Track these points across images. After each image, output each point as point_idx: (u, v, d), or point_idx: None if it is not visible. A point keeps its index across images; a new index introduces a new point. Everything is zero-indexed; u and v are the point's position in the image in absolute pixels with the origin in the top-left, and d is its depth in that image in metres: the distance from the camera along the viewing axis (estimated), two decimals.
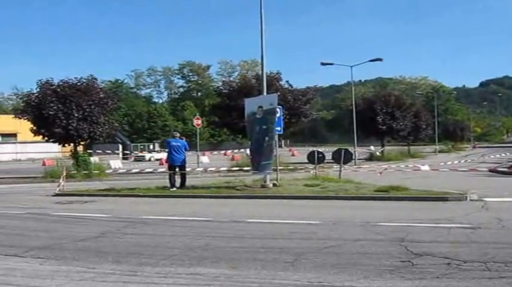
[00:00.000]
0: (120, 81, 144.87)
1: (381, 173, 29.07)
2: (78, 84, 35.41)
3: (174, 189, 21.28)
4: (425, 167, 33.08)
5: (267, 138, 20.62)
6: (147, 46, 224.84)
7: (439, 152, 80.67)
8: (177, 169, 22.10)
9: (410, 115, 61.90)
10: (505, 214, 13.20)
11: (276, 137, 21.73)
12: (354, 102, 52.10)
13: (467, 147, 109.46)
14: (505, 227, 11.15)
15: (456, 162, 44.55)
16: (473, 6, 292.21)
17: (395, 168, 35.65)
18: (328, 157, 27.64)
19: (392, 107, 58.28)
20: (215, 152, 68.74)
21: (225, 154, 64.26)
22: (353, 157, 34.49)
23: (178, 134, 24.21)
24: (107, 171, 35.45)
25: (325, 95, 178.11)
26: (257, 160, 21.51)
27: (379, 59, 49.60)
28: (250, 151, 23.30)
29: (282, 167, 27.61)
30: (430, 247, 9.13)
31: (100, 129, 35.28)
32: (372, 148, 65.79)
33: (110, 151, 57.21)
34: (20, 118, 36.29)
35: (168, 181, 21.93)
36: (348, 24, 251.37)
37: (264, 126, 20.67)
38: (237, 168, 32.10)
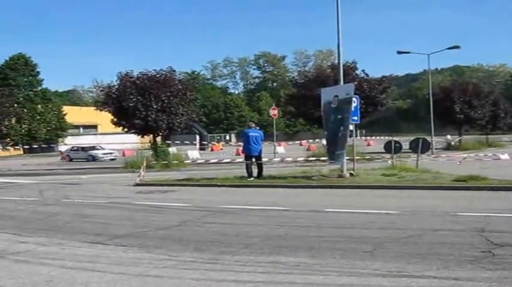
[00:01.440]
0: (196, 72, 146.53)
1: (460, 162, 28.57)
2: (157, 76, 36.11)
3: (252, 179, 21.47)
4: (505, 156, 32.28)
5: (342, 128, 20.54)
6: (223, 37, 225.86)
7: None
8: (253, 159, 22.28)
9: (488, 104, 60.49)
10: None
11: (353, 126, 21.64)
12: (430, 91, 51.27)
13: None
14: None
15: None
16: None
17: (473, 157, 34.94)
18: (405, 146, 27.36)
19: (470, 96, 57.06)
20: (291, 143, 68.82)
21: (300, 144, 64.21)
22: (430, 147, 34.01)
23: (254, 125, 24.40)
24: (185, 161, 35.97)
25: (400, 84, 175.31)
26: (332, 149, 21.49)
27: (457, 47, 48.70)
28: (326, 140, 23.24)
29: (358, 157, 27.47)
30: (511, 237, 8.98)
31: (178, 121, 35.89)
32: (449, 137, 64.45)
33: (187, 142, 58.04)
34: (101, 110, 37.28)
35: (245, 171, 22.16)
36: (424, 12, 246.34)
37: (339, 116, 20.60)
38: (313, 158, 32.05)
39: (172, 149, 41.13)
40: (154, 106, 34.48)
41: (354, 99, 20.84)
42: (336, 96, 20.84)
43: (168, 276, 7.28)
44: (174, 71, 37.74)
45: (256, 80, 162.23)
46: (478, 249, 8.15)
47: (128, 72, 36.20)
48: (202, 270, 7.53)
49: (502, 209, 12.29)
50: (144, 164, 24.41)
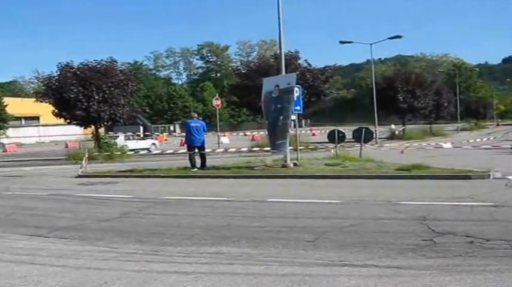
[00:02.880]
0: (139, 63, 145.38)
1: (402, 151, 28.97)
2: (98, 66, 35.69)
3: (195, 169, 21.37)
4: (448, 145, 32.87)
5: (281, 117, 20.56)
6: (165, 28, 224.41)
7: (461, 130, 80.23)
8: (196, 150, 22.18)
9: (431, 93, 61.55)
10: None
11: (296, 116, 21.68)
12: (373, 81, 51.83)
13: (490, 125, 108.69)
14: None
15: (478, 140, 44.20)
16: None
17: (416, 146, 35.46)
18: (349, 136, 27.58)
19: (413, 85, 57.96)
20: (235, 133, 68.88)
21: (245, 134, 64.34)
22: (374, 136, 34.39)
23: (196, 115, 24.32)
24: (129, 152, 35.63)
25: (345, 73, 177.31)
26: (273, 139, 21.52)
27: (399, 36, 49.31)
28: (267, 130, 23.27)
29: (302, 147, 27.55)
30: (453, 225, 9.07)
31: (120, 111, 35.55)
32: (393, 126, 65.39)
33: (131, 133, 57.53)
34: (41, 101, 36.57)
35: (188, 161, 22.03)
36: (367, 1, 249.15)
37: (279, 105, 20.61)
38: (257, 148, 32.06)
39: (116, 140, 40.65)
40: (96, 97, 34.04)
41: (296, 89, 20.84)
42: (277, 86, 20.82)
43: (109, 268, 7.17)
44: (115, 61, 37.39)
45: (200, 71, 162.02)
46: (420, 237, 8.20)
47: (68, 63, 35.64)
48: (143, 262, 7.42)
49: (444, 198, 12.43)
50: (86, 156, 24.09)
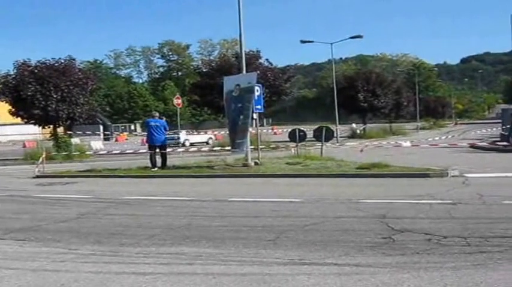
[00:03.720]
0: (99, 61, 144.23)
1: (362, 150, 29.15)
2: (56, 65, 35.17)
3: (155, 169, 21.25)
4: (407, 144, 33.26)
5: (241, 116, 20.58)
6: (126, 26, 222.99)
7: (421, 129, 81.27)
8: (157, 149, 22.06)
9: (391, 92, 62.26)
10: (485, 189, 13.24)
11: (257, 115, 21.69)
12: (334, 80, 52.21)
13: (449, 124, 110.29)
14: (485, 203, 11.18)
15: (437, 138, 44.77)
16: None
17: (377, 145, 35.78)
18: (310, 135, 27.67)
19: (374, 85, 58.56)
20: (197, 132, 68.64)
21: (206, 133, 64.16)
22: (334, 135, 34.57)
23: (157, 114, 24.21)
24: (88, 152, 35.28)
25: (306, 73, 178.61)
26: (233, 138, 21.51)
27: (359, 36, 49.80)
28: (228, 129, 23.25)
29: (263, 146, 27.59)
30: (411, 223, 9.15)
31: (79, 110, 35.10)
32: (354, 125, 65.96)
33: (90, 132, 57.00)
34: None
35: (149, 161, 21.88)
36: (328, 0, 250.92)
37: (240, 105, 20.62)
38: (218, 147, 32.03)
39: (75, 140, 40.19)
40: (54, 96, 33.54)
41: (256, 88, 20.85)
42: (238, 85, 20.81)
43: (66, 270, 7.03)
44: (74, 59, 36.85)
45: (161, 69, 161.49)
46: (379, 235, 8.25)
47: (25, 61, 35.06)
48: (101, 263, 7.32)
49: (403, 196, 12.55)
50: (44, 156, 23.74)
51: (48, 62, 35.29)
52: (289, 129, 29.03)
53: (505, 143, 32.05)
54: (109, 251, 7.96)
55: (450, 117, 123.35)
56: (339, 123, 51.45)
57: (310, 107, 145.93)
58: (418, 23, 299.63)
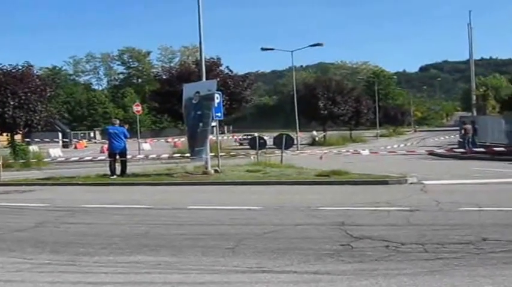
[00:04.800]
0: (58, 68, 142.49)
1: (321, 157, 29.33)
2: (13, 71, 34.69)
3: (115, 177, 21.07)
4: (366, 152, 33.52)
5: (201, 124, 20.55)
6: (85, 33, 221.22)
7: (380, 136, 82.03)
8: (117, 157, 21.89)
9: (351, 100, 62.78)
10: (443, 196, 13.42)
11: (217, 123, 21.68)
12: (295, 88, 52.40)
13: (408, 131, 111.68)
14: (442, 209, 11.32)
15: (395, 146, 45.28)
16: None
17: (336, 152, 36.00)
18: (270, 142, 27.76)
19: (334, 92, 59.00)
20: (155, 140, 68.30)
21: (166, 141, 63.84)
22: (294, 142, 34.71)
23: (118, 122, 24.01)
24: (46, 160, 34.84)
25: (267, 80, 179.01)
26: (193, 146, 21.46)
27: (320, 44, 50.08)
28: (187, 137, 23.19)
29: (223, 153, 27.56)
30: (370, 230, 9.20)
31: (37, 118, 34.67)
32: (314, 133, 66.31)
33: (49, 139, 56.33)
34: None
35: (108, 169, 21.70)
36: (288, 8, 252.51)
37: (199, 112, 20.59)
38: (178, 155, 31.92)
39: (33, 148, 39.72)
40: (11, 103, 33.07)
41: (217, 95, 20.85)
42: (198, 92, 20.79)
43: (21, 280, 6.88)
44: (32, 66, 36.41)
45: (121, 76, 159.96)
46: (338, 242, 8.26)
47: None
48: (58, 272, 7.19)
49: (361, 203, 12.62)
50: (0, 163, 23.34)
51: (5, 68, 34.82)
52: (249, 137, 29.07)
53: (462, 150, 32.57)
54: (66, 261, 7.82)
55: (409, 124, 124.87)
56: (300, 131, 51.67)
57: (270, 114, 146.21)
58: (378, 32, 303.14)
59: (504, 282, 6.05)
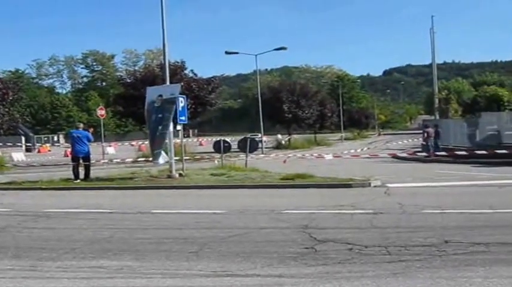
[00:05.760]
0: (20, 71, 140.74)
1: (285, 161, 29.42)
2: None
3: (78, 181, 20.88)
4: (329, 156, 33.69)
5: (160, 127, 20.57)
6: (49, 36, 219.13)
7: (345, 139, 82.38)
8: (80, 161, 21.71)
9: (315, 103, 62.93)
10: (406, 199, 13.56)
11: (181, 126, 21.62)
12: (259, 91, 52.39)
13: (372, 134, 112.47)
14: (405, 212, 11.44)
15: (359, 150, 45.55)
16: None
17: (301, 156, 36.12)
18: (235, 145, 27.76)
19: (298, 96, 59.12)
20: (120, 143, 67.92)
21: (131, 145, 63.47)
22: (259, 146, 34.77)
23: (82, 125, 23.77)
24: (9, 164, 34.42)
25: (232, 84, 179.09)
26: (152, 148, 21.41)
27: (284, 48, 50.18)
28: (149, 140, 23.13)
29: (188, 157, 27.48)
30: (333, 233, 9.27)
31: (0, 122, 34.21)
32: (279, 136, 66.50)
33: (11, 143, 55.63)
34: None
35: (72, 173, 21.51)
36: (253, 12, 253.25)
37: (160, 115, 20.61)
38: (143, 159, 31.77)
39: None
40: None
41: (181, 99, 20.79)
42: (160, 95, 20.75)
43: None
44: None
45: (85, 79, 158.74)
46: (302, 246, 8.30)
47: None
48: (19, 278, 7.09)
49: (326, 206, 12.70)
50: None
51: None
52: (215, 140, 29.07)
53: (425, 154, 32.91)
54: (28, 266, 7.73)
55: (373, 128, 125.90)
56: (265, 134, 51.76)
57: (235, 117, 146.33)
58: (342, 36, 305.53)
59: (465, 284, 6.15)
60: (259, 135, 61.50)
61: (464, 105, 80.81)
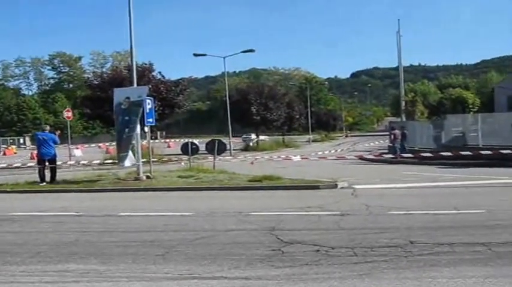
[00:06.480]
0: None
1: (252, 163, 29.46)
2: None
3: (44, 184, 20.66)
4: (297, 158, 33.83)
5: (127, 130, 20.44)
6: (16, 38, 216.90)
7: (313, 141, 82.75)
8: (47, 163, 21.49)
9: (283, 106, 63.13)
10: (372, 200, 13.66)
11: (148, 128, 21.53)
12: (227, 94, 52.46)
13: (340, 136, 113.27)
14: (372, 213, 11.51)
15: (327, 151, 45.82)
16: None
17: (269, 158, 36.18)
18: (203, 147, 27.71)
19: (266, 98, 59.29)
20: (87, 145, 67.41)
21: (99, 147, 63.05)
22: (227, 148, 34.77)
23: (48, 127, 23.55)
24: None
25: (200, 86, 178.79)
26: (119, 151, 21.30)
27: (252, 50, 50.34)
28: (116, 142, 22.99)
29: (155, 159, 27.37)
30: (301, 234, 9.29)
31: None
32: (249, 136, 66.65)
33: None
34: None
35: (37, 175, 21.28)
36: (221, 14, 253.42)
37: (127, 117, 20.49)
38: (110, 161, 31.55)
39: None
40: None
41: (148, 101, 20.70)
42: (128, 98, 20.63)
43: None
44: None
45: (52, 81, 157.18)
46: (269, 248, 8.32)
47: None
48: None
49: (293, 208, 12.72)
50: None
51: None
52: (183, 142, 28.99)
53: (391, 156, 33.21)
54: None
55: (341, 129, 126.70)
56: (233, 136, 51.79)
57: (204, 119, 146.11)
58: (311, 38, 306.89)
59: (431, 284, 6.23)
60: (252, 135, 61.52)
61: (430, 108, 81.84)
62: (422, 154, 30.20)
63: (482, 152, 26.71)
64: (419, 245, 8.16)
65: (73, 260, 8.06)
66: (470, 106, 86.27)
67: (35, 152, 32.13)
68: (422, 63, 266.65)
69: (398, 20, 55.31)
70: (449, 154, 27.56)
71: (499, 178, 19.36)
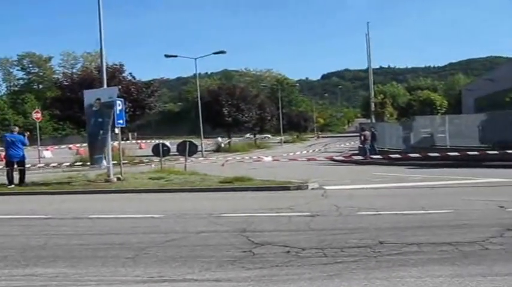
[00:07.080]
0: None
1: (223, 164, 29.43)
2: None
3: (12, 186, 20.46)
4: (268, 159, 33.89)
5: (101, 131, 20.34)
6: None
7: (285, 142, 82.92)
8: (15, 165, 21.27)
9: (255, 107, 63.25)
10: (342, 201, 13.71)
11: (119, 130, 21.41)
12: (199, 95, 52.39)
13: (311, 137, 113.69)
14: (341, 214, 11.56)
15: (298, 153, 45.95)
16: None
17: (241, 159, 36.18)
18: (174, 149, 27.66)
19: (238, 99, 59.36)
20: (57, 147, 66.83)
21: (69, 148, 62.51)
22: (198, 149, 34.71)
23: (17, 129, 23.28)
24: None
25: (172, 87, 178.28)
26: (92, 153, 21.16)
27: (223, 52, 50.30)
28: (88, 144, 22.80)
29: (126, 161, 27.22)
30: (271, 236, 9.29)
31: None
32: (219, 139, 66.57)
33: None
34: None
35: (5, 177, 21.05)
36: (193, 15, 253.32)
37: (100, 119, 20.38)
38: (80, 163, 31.31)
39: None
40: None
41: (118, 102, 20.59)
42: (98, 99, 20.51)
43: None
44: None
45: (21, 82, 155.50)
46: (240, 249, 8.31)
47: None
48: None
49: (264, 209, 12.73)
50: None
51: None
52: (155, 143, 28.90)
53: (361, 157, 33.40)
54: None
55: (312, 130, 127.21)
56: (205, 137, 51.74)
57: (175, 120, 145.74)
58: (282, 40, 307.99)
59: (399, 283, 6.27)
60: (248, 135, 61.44)
61: (399, 109, 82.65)
62: (391, 155, 30.48)
63: (450, 153, 27.00)
64: (388, 245, 8.22)
65: (41, 264, 7.97)
66: (438, 108, 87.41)
67: (3, 153, 31.77)
68: (392, 66, 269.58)
69: (368, 22, 55.92)
70: (417, 155, 27.83)
71: (466, 178, 19.63)
